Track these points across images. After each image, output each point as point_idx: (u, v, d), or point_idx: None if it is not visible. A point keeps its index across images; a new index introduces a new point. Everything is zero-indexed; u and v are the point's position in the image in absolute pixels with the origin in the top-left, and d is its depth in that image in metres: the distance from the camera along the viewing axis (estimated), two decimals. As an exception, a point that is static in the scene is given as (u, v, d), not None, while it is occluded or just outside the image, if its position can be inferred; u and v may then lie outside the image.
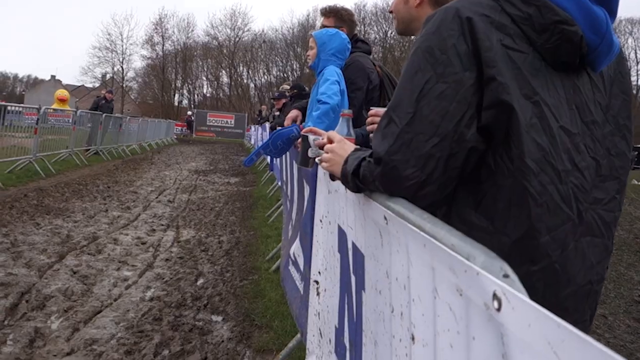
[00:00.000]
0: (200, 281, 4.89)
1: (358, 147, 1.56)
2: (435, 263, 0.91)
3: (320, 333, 2.35)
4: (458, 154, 1.23)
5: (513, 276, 0.72)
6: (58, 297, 4.11)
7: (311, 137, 2.45)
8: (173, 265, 5.34)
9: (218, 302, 4.32)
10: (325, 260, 2.32)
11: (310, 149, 2.40)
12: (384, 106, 3.87)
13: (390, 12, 2.12)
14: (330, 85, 3.55)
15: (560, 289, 1.26)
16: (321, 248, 2.44)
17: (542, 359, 0.58)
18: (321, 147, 2.41)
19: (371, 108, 2.31)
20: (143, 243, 6.19)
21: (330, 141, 1.65)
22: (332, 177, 1.71)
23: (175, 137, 31.49)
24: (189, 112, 38.24)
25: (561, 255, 1.24)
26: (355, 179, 1.41)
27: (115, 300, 4.24)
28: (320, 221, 2.46)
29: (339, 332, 2.01)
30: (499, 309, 0.68)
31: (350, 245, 1.80)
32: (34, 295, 4.12)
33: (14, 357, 3.12)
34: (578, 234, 1.28)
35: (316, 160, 2.45)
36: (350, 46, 3.86)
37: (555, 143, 1.25)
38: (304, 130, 2.56)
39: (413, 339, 1.08)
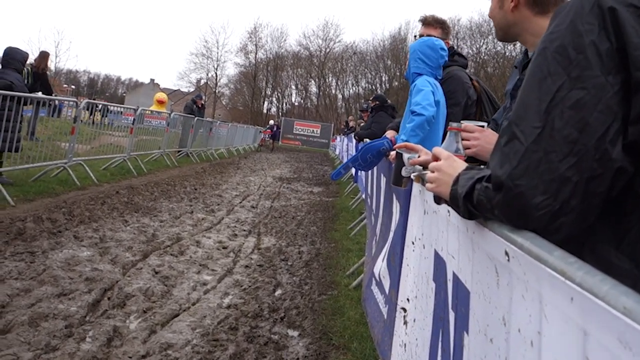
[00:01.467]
0: (278, 292, 4.78)
1: (470, 165, 1.34)
2: (591, 327, 0.69)
3: (406, 367, 2.14)
4: (601, 177, 0.99)
5: None
6: (139, 297, 4.13)
7: (406, 155, 2.25)
8: (252, 273, 5.28)
9: (295, 316, 4.18)
10: (416, 287, 2.10)
11: (404, 168, 2.21)
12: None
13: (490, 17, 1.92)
14: (426, 95, 3.33)
15: None
16: (412, 273, 2.23)
17: None
18: (422, 166, 2.22)
19: (461, 122, 2.09)
20: (224, 247, 6.19)
21: (437, 159, 1.45)
22: (438, 200, 1.50)
23: (261, 143, 31.77)
24: (271, 122, 36.43)
25: None
26: (468, 203, 1.19)
27: (194, 304, 4.20)
28: (413, 243, 2.24)
29: (429, 371, 1.79)
30: None
31: (450, 277, 1.58)
32: (116, 292, 4.16)
33: (91, 355, 3.11)
34: None
35: (416, 179, 2.26)
36: (446, 57, 3.63)
37: None
38: (397, 145, 2.36)
39: (541, 412, 0.85)
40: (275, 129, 34.51)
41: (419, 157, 2.22)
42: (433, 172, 1.42)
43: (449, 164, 1.37)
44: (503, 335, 1.06)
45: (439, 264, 1.74)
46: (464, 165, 1.34)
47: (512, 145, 1.08)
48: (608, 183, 1.00)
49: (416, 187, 2.27)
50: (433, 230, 1.88)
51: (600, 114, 0.99)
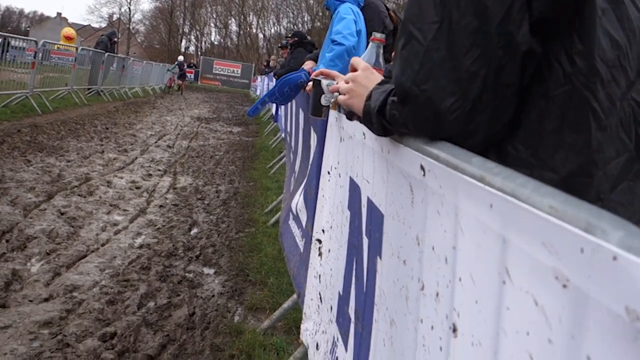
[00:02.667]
0: (194, 231, 4.64)
1: (385, 79, 1.24)
2: (511, 234, 0.62)
3: (320, 298, 2.09)
4: (509, 65, 0.91)
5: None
6: (41, 239, 3.86)
7: (324, 82, 2.12)
8: (167, 213, 5.08)
9: (211, 254, 4.07)
10: (332, 217, 2.04)
11: (323, 96, 2.09)
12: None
13: None
14: (347, 24, 3.20)
15: None
16: (327, 203, 2.16)
17: None
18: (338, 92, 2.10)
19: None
20: (137, 187, 5.92)
21: (354, 69, 1.34)
22: (350, 116, 1.41)
23: (169, 84, 25.53)
24: (180, 58, 26.59)
25: (609, 198, 0.92)
26: (382, 118, 1.10)
27: (103, 245, 3.99)
28: (328, 173, 2.16)
29: (342, 300, 1.75)
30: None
31: (364, 202, 1.51)
32: (15, 235, 3.87)
33: (-13, 300, 2.88)
34: (633, 172, 0.94)
35: (332, 106, 2.14)
36: None
37: (635, 41, 0.92)
38: (314, 73, 2.24)
39: (454, 330, 0.80)
40: (184, 66, 26.05)
41: (337, 84, 2.11)
42: (348, 82, 1.31)
43: (366, 76, 1.26)
44: (416, 255, 1.00)
45: (354, 190, 1.67)
46: (380, 78, 1.24)
47: (410, 48, 0.98)
48: (518, 71, 0.92)
49: (332, 114, 2.17)
50: (349, 157, 1.79)
51: None
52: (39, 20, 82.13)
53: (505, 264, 0.63)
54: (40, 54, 11.56)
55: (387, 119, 1.08)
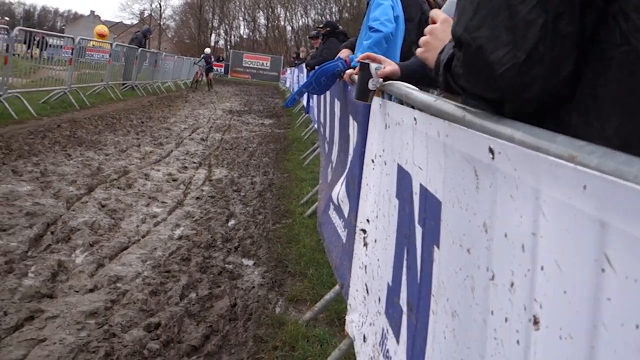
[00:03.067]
0: (232, 222, 4.65)
1: None
2: (612, 217, 0.57)
3: (367, 289, 2.06)
4: (568, 13, 0.84)
5: None
6: (84, 231, 3.91)
7: (373, 66, 2.08)
8: (204, 204, 5.11)
9: (249, 245, 4.07)
10: (377, 206, 1.99)
11: (371, 80, 2.04)
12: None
13: None
14: (384, 10, 3.13)
15: None
16: (372, 192, 2.11)
17: None
18: (387, 78, 2.05)
19: None
20: (174, 180, 5.97)
21: (433, 22, 1.29)
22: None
23: (196, 79, 24.85)
24: (207, 50, 24.98)
25: None
26: (447, 73, 1.04)
27: (143, 237, 4.03)
28: (372, 161, 2.12)
29: (392, 291, 1.70)
30: None
31: (416, 189, 1.46)
32: (59, 227, 3.93)
33: (34, 291, 2.93)
34: None
35: (377, 92, 2.09)
36: None
37: None
38: (360, 56, 2.18)
39: (535, 322, 0.75)
40: (211, 59, 24.39)
41: (384, 68, 2.06)
42: (426, 35, 1.26)
43: (443, 29, 1.21)
44: (483, 244, 0.95)
45: (403, 178, 1.62)
46: None
47: None
48: (577, 20, 0.85)
49: (376, 101, 2.11)
50: (396, 144, 1.74)
51: None
52: (73, 18, 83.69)
53: (604, 250, 0.58)
54: (76, 51, 11.76)
55: (452, 73, 1.03)
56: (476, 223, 0.99)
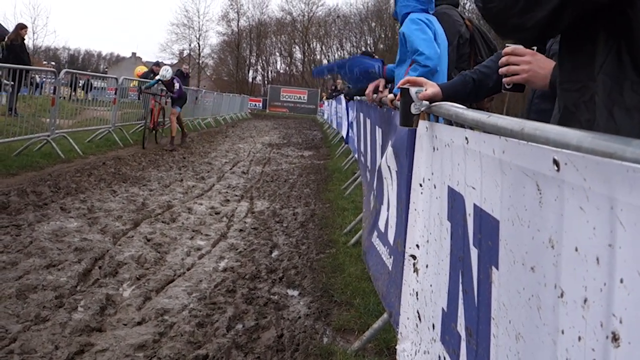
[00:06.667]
0: (275, 253, 4.64)
1: None
2: None
3: (419, 316, 2.00)
4: None
5: None
6: (131, 265, 3.97)
7: (413, 90, 2.06)
8: (247, 236, 5.13)
9: (294, 276, 4.05)
10: (427, 230, 1.95)
11: (413, 104, 2.02)
12: (476, 64, 3.37)
13: None
14: (428, 44, 3.12)
15: None
16: (420, 217, 2.07)
17: None
18: (430, 101, 2.03)
19: (507, 45, 1.84)
20: (217, 213, 6.03)
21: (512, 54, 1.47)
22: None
23: (249, 111, 27.34)
24: (165, 67, 12.67)
25: None
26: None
27: (188, 269, 4.05)
28: (420, 185, 2.08)
29: (448, 317, 1.65)
30: None
31: (470, 210, 1.42)
32: (107, 261, 4.00)
33: (84, 325, 2.96)
34: None
35: (422, 115, 2.07)
36: None
37: None
38: (401, 82, 2.18)
39: (615, 339, 0.70)
40: (173, 82, 11.79)
41: (425, 90, 2.05)
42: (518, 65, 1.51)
43: (539, 58, 1.37)
44: (550, 260, 0.91)
45: (455, 200, 1.58)
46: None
47: None
48: None
49: (422, 124, 2.09)
50: (445, 166, 1.71)
51: None
52: (116, 60, 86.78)
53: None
54: (119, 91, 12.15)
55: None
56: (540, 239, 0.95)
